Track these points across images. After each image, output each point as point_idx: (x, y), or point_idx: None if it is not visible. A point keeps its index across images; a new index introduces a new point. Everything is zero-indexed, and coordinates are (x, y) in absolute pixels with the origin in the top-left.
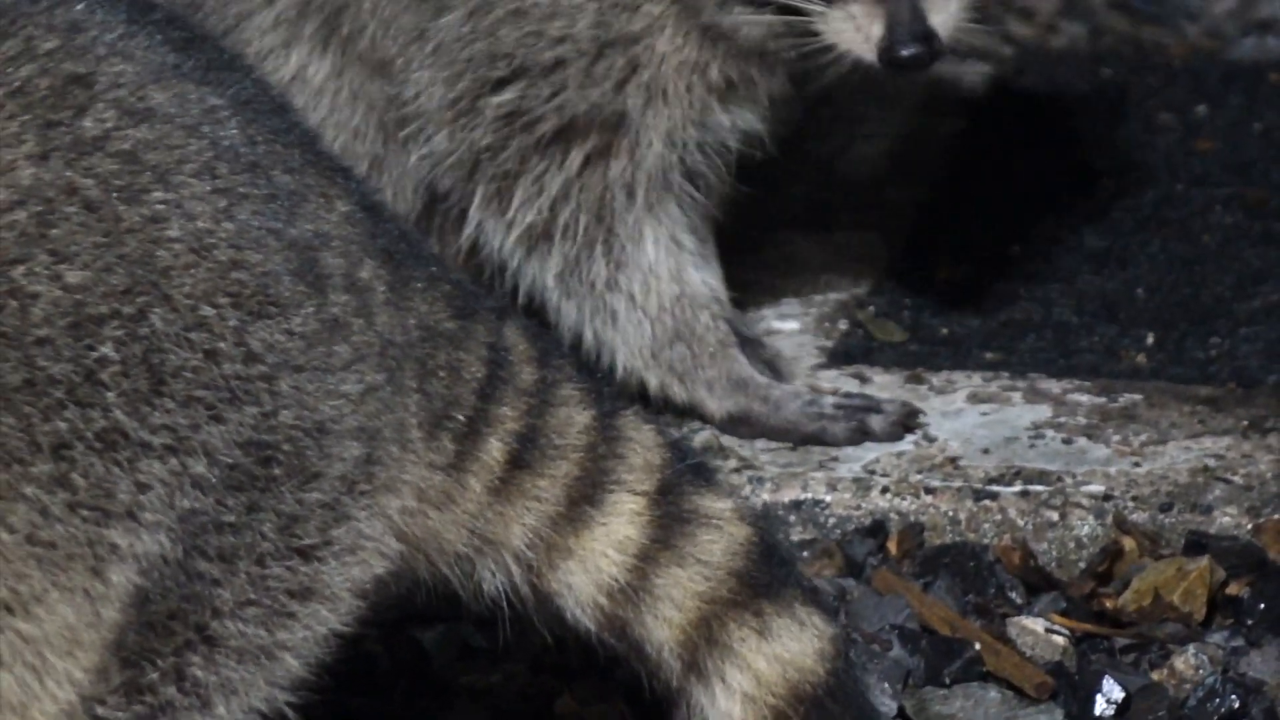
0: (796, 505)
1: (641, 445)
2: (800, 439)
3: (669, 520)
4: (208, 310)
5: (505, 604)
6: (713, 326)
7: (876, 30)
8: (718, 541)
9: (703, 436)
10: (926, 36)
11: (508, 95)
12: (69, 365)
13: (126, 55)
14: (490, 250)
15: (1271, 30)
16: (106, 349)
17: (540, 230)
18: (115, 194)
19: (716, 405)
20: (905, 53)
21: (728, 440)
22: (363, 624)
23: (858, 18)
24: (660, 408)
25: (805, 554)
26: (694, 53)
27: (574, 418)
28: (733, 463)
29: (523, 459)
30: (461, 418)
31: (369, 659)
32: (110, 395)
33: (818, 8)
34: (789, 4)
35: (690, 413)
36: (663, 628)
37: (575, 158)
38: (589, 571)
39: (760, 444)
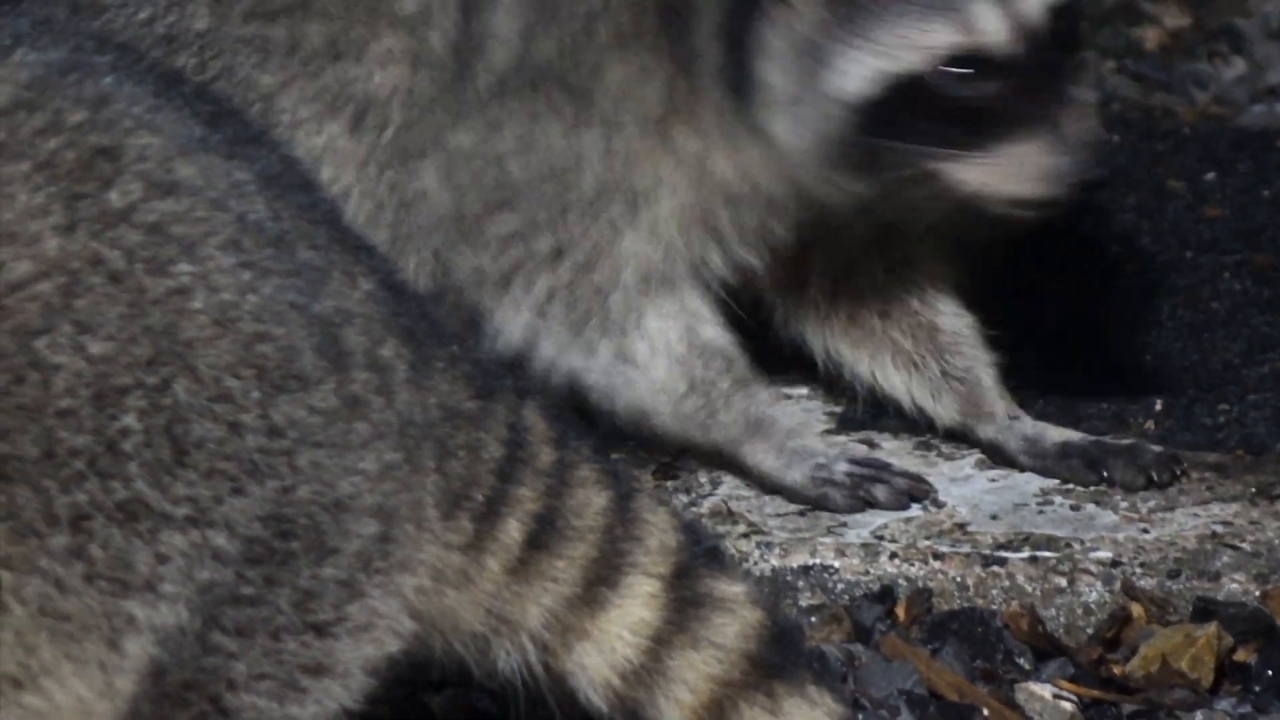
0: (805, 570)
1: (658, 528)
2: (802, 502)
3: (683, 603)
4: (231, 382)
5: (519, 683)
6: (726, 370)
7: (1029, 165)
8: (731, 625)
9: (711, 502)
10: (1085, 150)
11: (510, 222)
12: (91, 437)
13: (154, 128)
14: (508, 337)
15: None
16: (129, 419)
17: (545, 319)
18: (140, 265)
19: (734, 445)
20: (1069, 169)
21: (736, 505)
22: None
23: (1005, 163)
24: (690, 458)
25: (813, 619)
26: (703, 204)
27: (591, 499)
28: (741, 528)
29: (540, 540)
30: (480, 498)
31: None
32: (132, 466)
33: (953, 159)
34: (913, 161)
35: (716, 461)
36: (675, 710)
37: (569, 267)
38: (603, 653)
39: (769, 509)
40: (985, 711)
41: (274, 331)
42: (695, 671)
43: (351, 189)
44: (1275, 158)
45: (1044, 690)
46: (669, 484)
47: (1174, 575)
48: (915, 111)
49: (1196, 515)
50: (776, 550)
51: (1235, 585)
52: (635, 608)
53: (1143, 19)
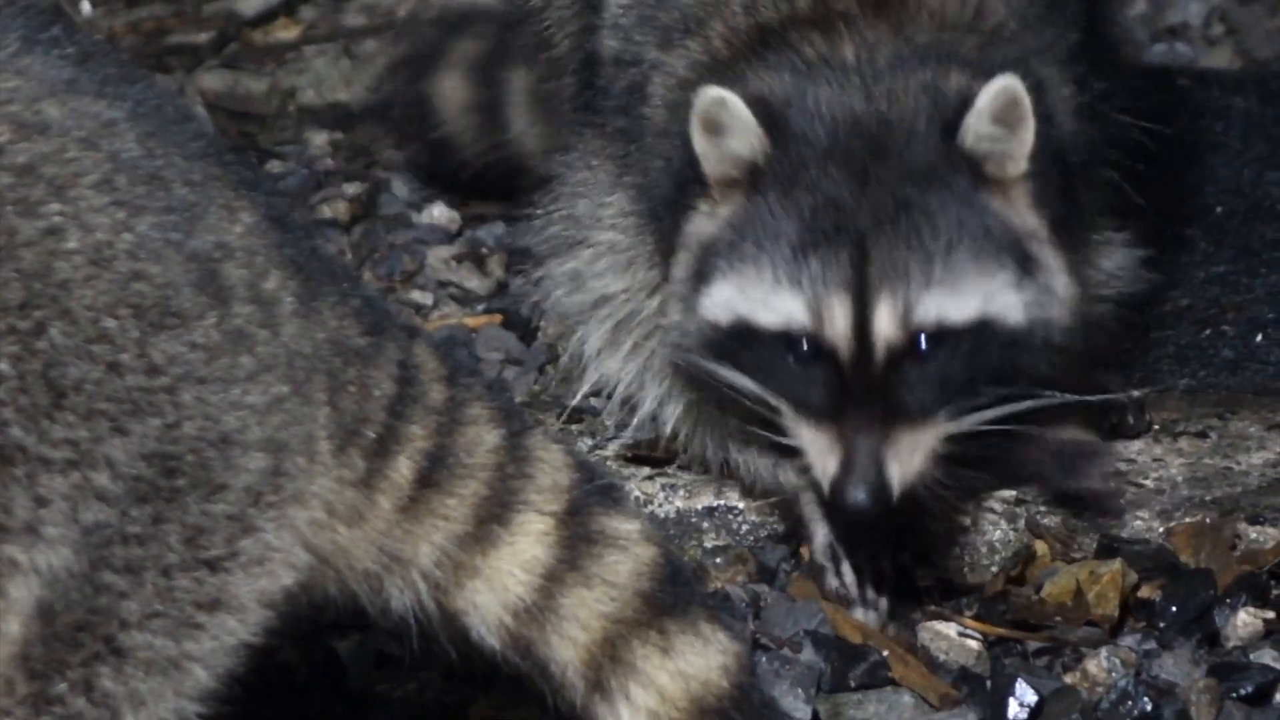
0: (710, 512)
1: (550, 465)
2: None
3: (576, 541)
4: (109, 323)
5: (412, 621)
6: None
7: (831, 465)
8: (624, 562)
9: (614, 446)
10: (880, 488)
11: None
12: None
13: (20, 71)
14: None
15: (1182, 36)
16: (2, 365)
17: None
18: (10, 208)
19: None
20: (852, 500)
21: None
22: (278, 634)
23: (820, 447)
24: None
25: (718, 560)
26: None
27: (483, 437)
28: (646, 470)
29: (431, 478)
30: (371, 434)
31: (284, 669)
32: (6, 411)
33: (788, 412)
34: (761, 396)
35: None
36: (568, 647)
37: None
38: (495, 591)
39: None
40: (886, 652)
41: (150, 269)
42: (588, 609)
43: None
44: (1176, 96)
45: (949, 628)
46: (574, 427)
47: (1078, 513)
48: (756, 358)
49: None
50: (681, 492)
51: (1139, 522)
52: (527, 545)
53: None
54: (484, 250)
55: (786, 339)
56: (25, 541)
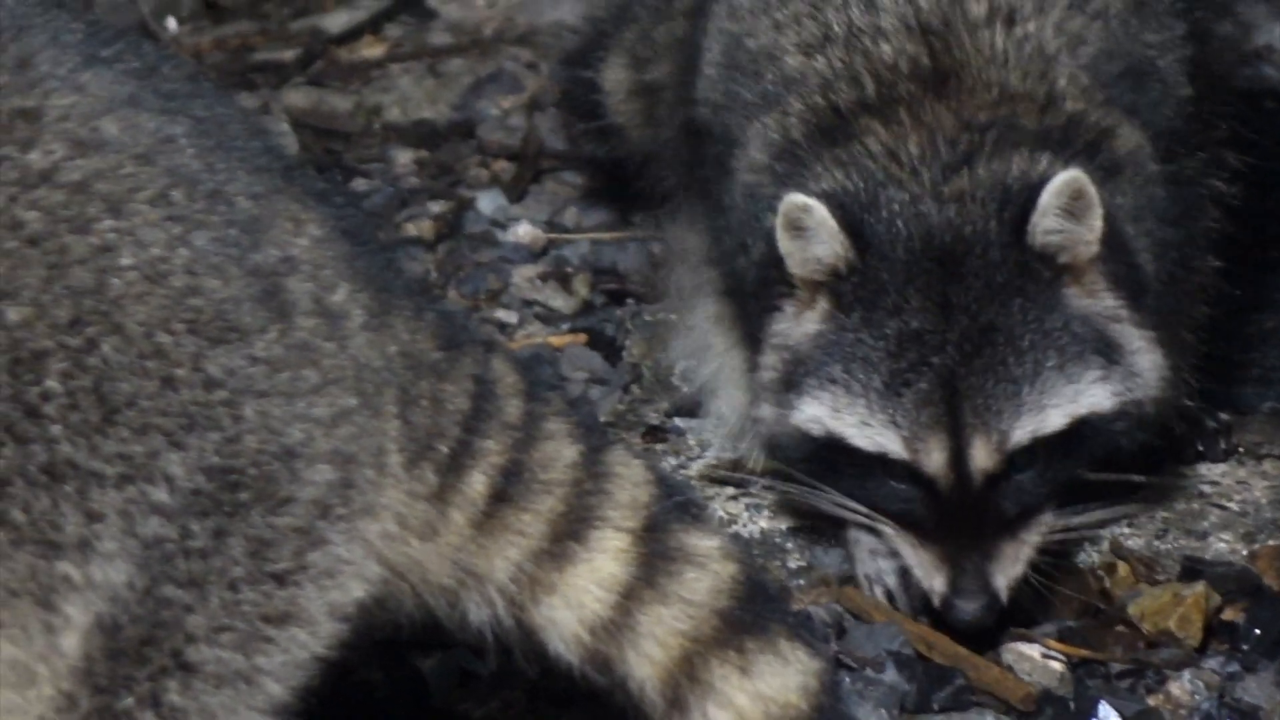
0: (794, 532)
1: (629, 481)
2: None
3: (654, 558)
4: (163, 338)
5: (489, 636)
6: None
7: (939, 584)
8: (703, 580)
9: (699, 464)
10: (989, 603)
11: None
12: (8, 404)
13: (78, 87)
14: None
15: (1267, 59)
16: (51, 383)
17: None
18: (63, 225)
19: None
20: (965, 614)
21: (726, 470)
22: (360, 650)
23: (924, 562)
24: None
25: (801, 581)
26: None
27: (560, 452)
28: (730, 490)
29: (506, 493)
30: (444, 449)
31: (367, 686)
32: (55, 428)
33: (888, 523)
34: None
35: None
36: (645, 665)
37: None
38: (572, 607)
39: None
40: (971, 673)
41: (207, 284)
42: (665, 627)
43: None
44: (1261, 119)
45: (1033, 650)
46: (658, 447)
47: (1162, 535)
48: (852, 468)
49: (1184, 475)
50: (765, 512)
51: (1223, 544)
52: (604, 562)
53: None
54: (569, 269)
55: (883, 462)
56: (78, 557)
